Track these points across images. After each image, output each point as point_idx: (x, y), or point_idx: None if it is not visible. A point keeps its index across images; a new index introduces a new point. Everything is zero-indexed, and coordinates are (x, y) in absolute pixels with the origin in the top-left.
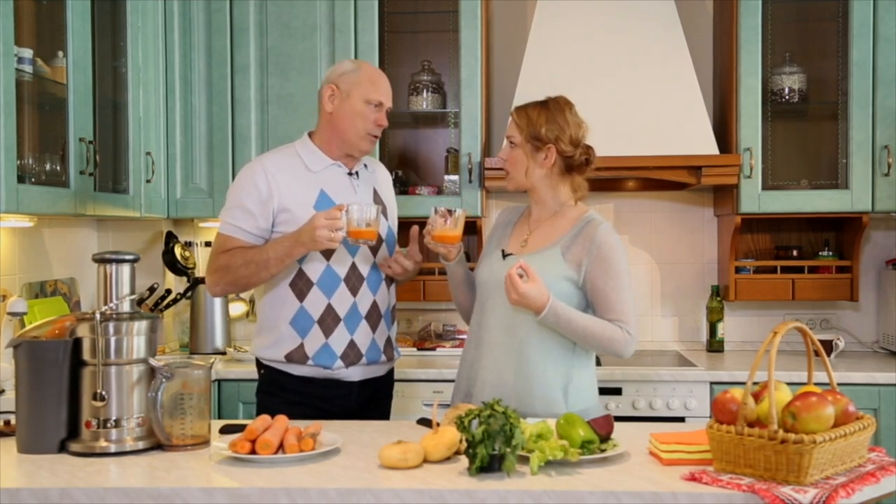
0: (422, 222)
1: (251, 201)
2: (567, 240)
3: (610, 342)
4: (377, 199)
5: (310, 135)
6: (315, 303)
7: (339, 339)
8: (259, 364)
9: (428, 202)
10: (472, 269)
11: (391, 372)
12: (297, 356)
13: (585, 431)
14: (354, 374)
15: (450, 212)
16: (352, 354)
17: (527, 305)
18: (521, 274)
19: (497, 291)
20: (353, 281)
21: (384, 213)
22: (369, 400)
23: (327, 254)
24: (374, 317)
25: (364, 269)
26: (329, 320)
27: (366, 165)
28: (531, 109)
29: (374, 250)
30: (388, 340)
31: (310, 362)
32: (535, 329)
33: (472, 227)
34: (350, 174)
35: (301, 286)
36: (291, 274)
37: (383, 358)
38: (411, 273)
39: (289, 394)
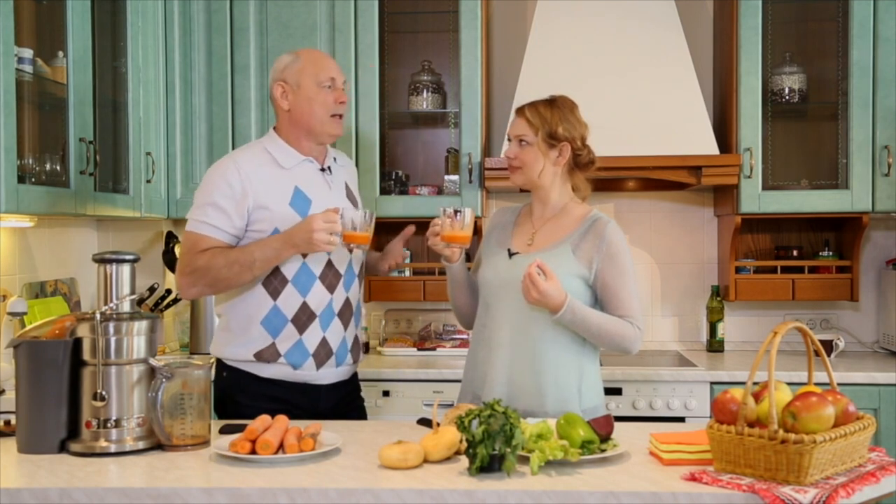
0: (422, 222)
1: (224, 199)
2: (576, 237)
3: (622, 339)
4: (350, 195)
5: (275, 130)
6: (289, 301)
7: (312, 337)
8: (222, 365)
9: (428, 202)
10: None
11: (356, 376)
12: (268, 354)
13: (585, 431)
14: (322, 377)
15: (456, 212)
16: (322, 353)
17: (545, 304)
18: (538, 272)
19: (505, 291)
20: (330, 278)
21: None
22: (338, 405)
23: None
24: (346, 314)
25: (341, 267)
26: (304, 318)
27: (335, 159)
28: (542, 108)
29: (364, 251)
30: (356, 340)
31: (281, 360)
32: (549, 327)
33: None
34: (322, 170)
35: (276, 284)
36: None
37: (349, 359)
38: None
39: (254, 399)
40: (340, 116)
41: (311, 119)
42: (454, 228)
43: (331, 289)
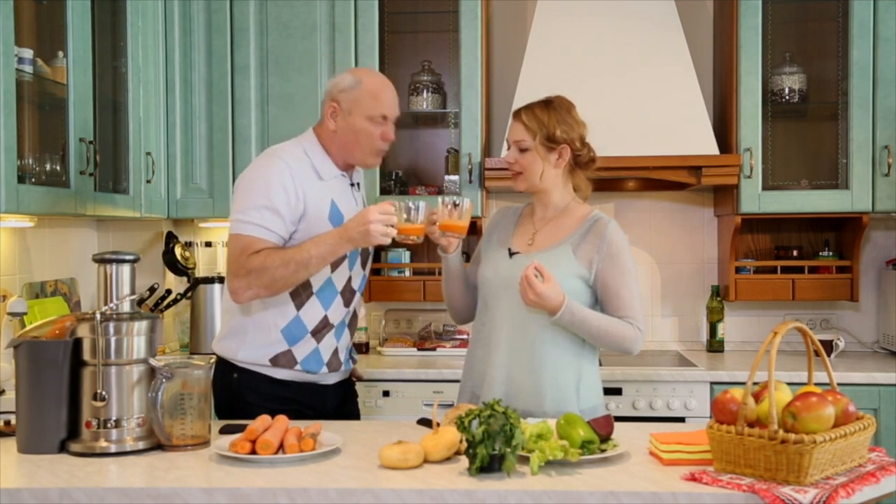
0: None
1: (281, 202)
2: (577, 238)
3: (622, 339)
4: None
5: (315, 131)
6: (312, 313)
7: (328, 347)
8: (232, 367)
9: (428, 203)
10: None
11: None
12: (285, 360)
13: (585, 431)
14: (330, 377)
15: (455, 204)
16: (335, 362)
17: (543, 306)
18: (535, 274)
19: (504, 290)
20: (347, 294)
21: None
22: (341, 402)
23: (333, 265)
24: (353, 325)
25: (355, 282)
26: (322, 329)
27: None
28: (538, 111)
29: (364, 262)
30: (352, 346)
31: (297, 367)
32: (548, 327)
33: (472, 227)
34: (352, 185)
35: (303, 296)
36: None
37: (350, 364)
38: None
39: (265, 399)
40: (383, 151)
41: (353, 148)
42: (451, 218)
43: (347, 304)
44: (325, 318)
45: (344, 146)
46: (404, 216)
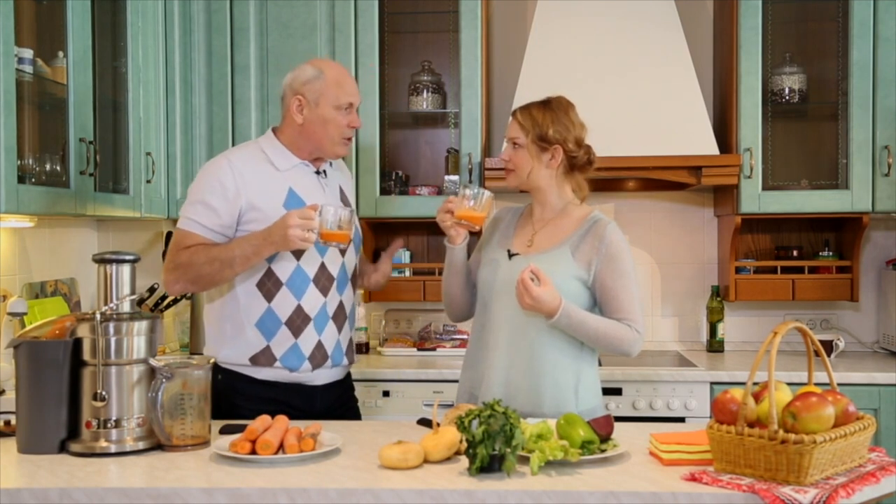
0: (422, 223)
1: (215, 198)
2: (576, 239)
3: (620, 342)
4: (343, 198)
5: (274, 131)
6: (284, 304)
7: (308, 340)
8: (216, 368)
9: (428, 202)
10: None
11: (349, 376)
12: (264, 358)
13: (585, 431)
14: (318, 377)
15: (475, 194)
16: (318, 356)
17: (539, 310)
18: (531, 278)
19: (503, 292)
20: (323, 281)
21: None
22: (333, 405)
23: (297, 253)
24: (340, 318)
25: (333, 269)
26: (299, 321)
27: (331, 163)
28: (535, 110)
29: (343, 250)
30: (350, 341)
31: (276, 364)
32: (546, 329)
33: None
34: (318, 173)
35: (269, 286)
36: (259, 273)
37: (345, 361)
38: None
39: (249, 401)
40: (350, 139)
41: (323, 139)
42: (471, 208)
43: (324, 292)
44: (299, 307)
45: (312, 138)
46: (328, 224)
